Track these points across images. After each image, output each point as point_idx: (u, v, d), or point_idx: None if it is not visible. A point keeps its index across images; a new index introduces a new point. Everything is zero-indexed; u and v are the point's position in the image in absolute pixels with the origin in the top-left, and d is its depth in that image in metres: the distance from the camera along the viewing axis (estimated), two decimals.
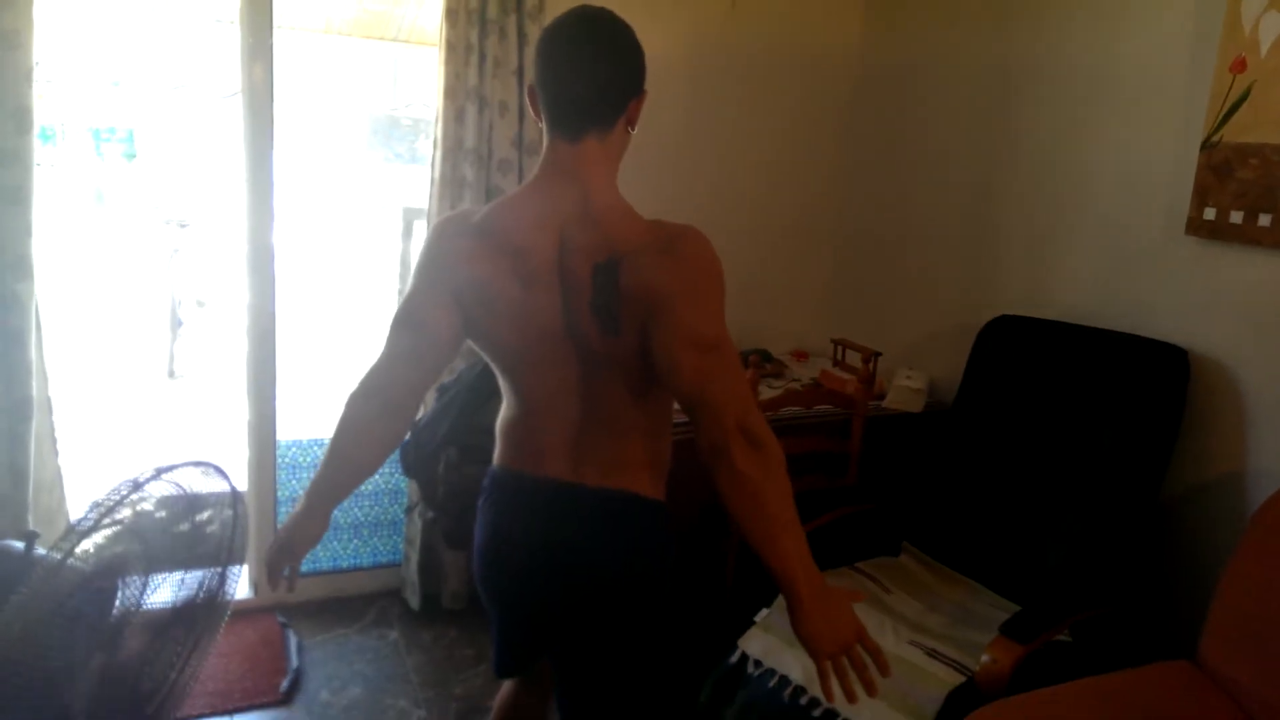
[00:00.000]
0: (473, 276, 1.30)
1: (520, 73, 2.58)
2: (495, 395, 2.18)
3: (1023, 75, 2.54)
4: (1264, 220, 1.94)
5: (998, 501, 2.31)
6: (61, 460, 2.42)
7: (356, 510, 2.90)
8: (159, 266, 5.56)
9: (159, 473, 1.35)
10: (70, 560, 1.20)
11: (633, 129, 1.34)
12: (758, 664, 2.02)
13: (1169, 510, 2.13)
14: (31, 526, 2.24)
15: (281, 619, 2.72)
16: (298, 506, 1.45)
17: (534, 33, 2.55)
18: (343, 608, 2.85)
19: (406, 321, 1.36)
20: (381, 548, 2.96)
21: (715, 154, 2.99)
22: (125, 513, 1.49)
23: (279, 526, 1.72)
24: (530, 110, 1.35)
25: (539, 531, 1.39)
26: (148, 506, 1.53)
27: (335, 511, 2.81)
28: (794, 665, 1.95)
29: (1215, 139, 2.01)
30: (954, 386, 2.56)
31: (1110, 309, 2.28)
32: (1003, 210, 2.62)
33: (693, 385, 1.20)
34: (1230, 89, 1.98)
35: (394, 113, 5.61)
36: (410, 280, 1.39)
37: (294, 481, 2.79)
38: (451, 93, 2.51)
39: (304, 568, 2.83)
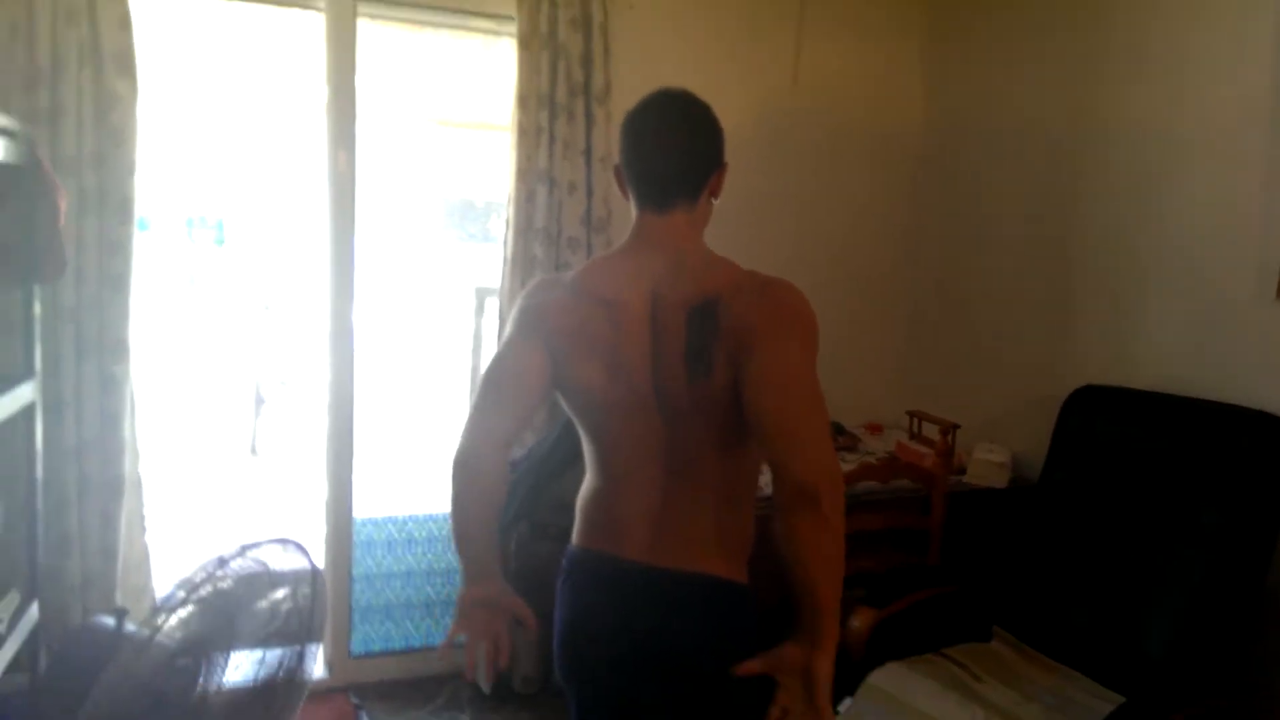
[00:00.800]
0: (564, 325, 1.34)
1: (588, 153, 2.64)
2: (567, 470, 2.19)
3: (1092, 135, 2.50)
4: None
5: (1092, 583, 2.19)
6: (149, 538, 2.48)
7: (429, 589, 2.90)
8: (244, 347, 5.79)
9: (244, 550, 1.37)
10: (158, 637, 1.22)
11: (715, 199, 1.41)
12: None
13: (1276, 595, 1.99)
14: (119, 604, 2.30)
15: (354, 699, 2.71)
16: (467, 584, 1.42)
17: (600, 115, 2.63)
18: (414, 689, 2.83)
19: (497, 369, 1.38)
20: None
21: (783, 225, 3.00)
22: (208, 589, 1.52)
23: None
24: (617, 188, 1.43)
25: (620, 618, 1.36)
26: (227, 585, 1.56)
27: (407, 590, 2.83)
28: None
29: None
30: (1038, 460, 2.46)
31: (1200, 376, 2.18)
32: (1080, 275, 2.55)
33: (777, 425, 1.17)
34: None
35: (468, 196, 5.81)
36: (503, 335, 1.43)
37: (369, 559, 2.81)
38: (523, 174, 2.59)
39: (376, 646, 2.85)
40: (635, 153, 1.36)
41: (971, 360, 2.96)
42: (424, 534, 2.88)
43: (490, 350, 2.84)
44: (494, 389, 1.37)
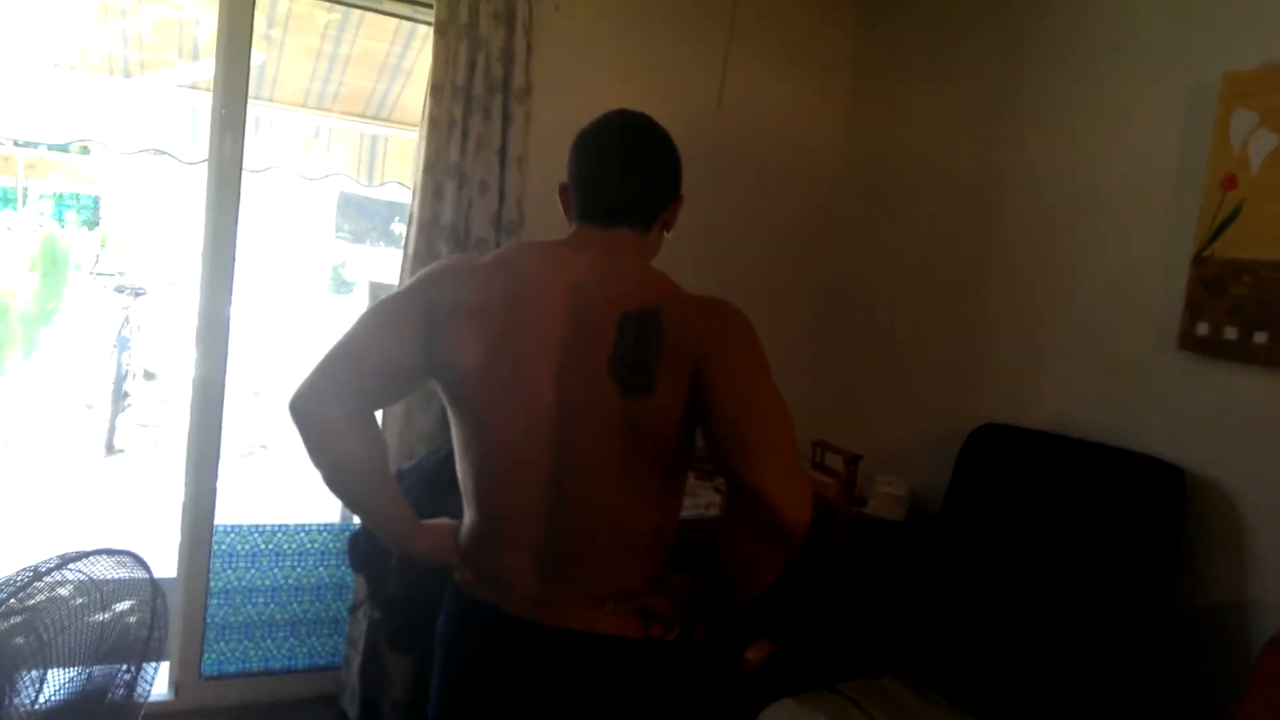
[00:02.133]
0: (455, 292, 1.20)
1: (503, 152, 2.51)
2: (453, 485, 2.02)
3: (1008, 180, 2.54)
4: (1260, 338, 1.90)
5: (988, 621, 2.18)
6: None
7: (295, 605, 2.67)
8: (108, 336, 5.35)
9: (64, 561, 1.18)
10: None
11: (668, 232, 1.33)
12: None
13: (1172, 636, 2.01)
14: None
15: None
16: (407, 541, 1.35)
17: (519, 114, 2.51)
18: (272, 715, 2.60)
19: (365, 324, 1.24)
20: (320, 648, 2.72)
21: (694, 244, 2.92)
22: (38, 598, 1.31)
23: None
24: (560, 206, 1.33)
25: (505, 686, 1.24)
26: (64, 593, 1.36)
27: (270, 606, 2.61)
28: None
29: (1207, 253, 1.99)
30: (937, 494, 2.46)
31: (1101, 421, 2.22)
32: (988, 314, 2.57)
33: (753, 447, 1.09)
34: (1221, 204, 1.97)
35: (367, 193, 5.56)
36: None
37: (228, 571, 2.57)
38: (431, 168, 2.44)
39: (232, 668, 2.61)
40: (585, 176, 1.27)
41: (877, 393, 2.96)
42: (294, 546, 2.66)
43: None
44: (350, 346, 1.22)
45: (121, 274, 5.87)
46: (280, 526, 2.63)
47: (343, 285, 6.36)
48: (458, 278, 1.23)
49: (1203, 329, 1.99)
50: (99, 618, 1.44)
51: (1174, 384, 2.07)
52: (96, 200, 6.78)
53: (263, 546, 2.61)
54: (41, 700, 1.36)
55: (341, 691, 2.66)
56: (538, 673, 1.22)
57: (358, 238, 6.49)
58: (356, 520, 2.56)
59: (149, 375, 5.67)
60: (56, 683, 1.38)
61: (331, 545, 2.69)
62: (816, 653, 2.20)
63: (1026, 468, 2.26)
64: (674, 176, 1.30)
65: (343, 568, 2.70)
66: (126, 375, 5.26)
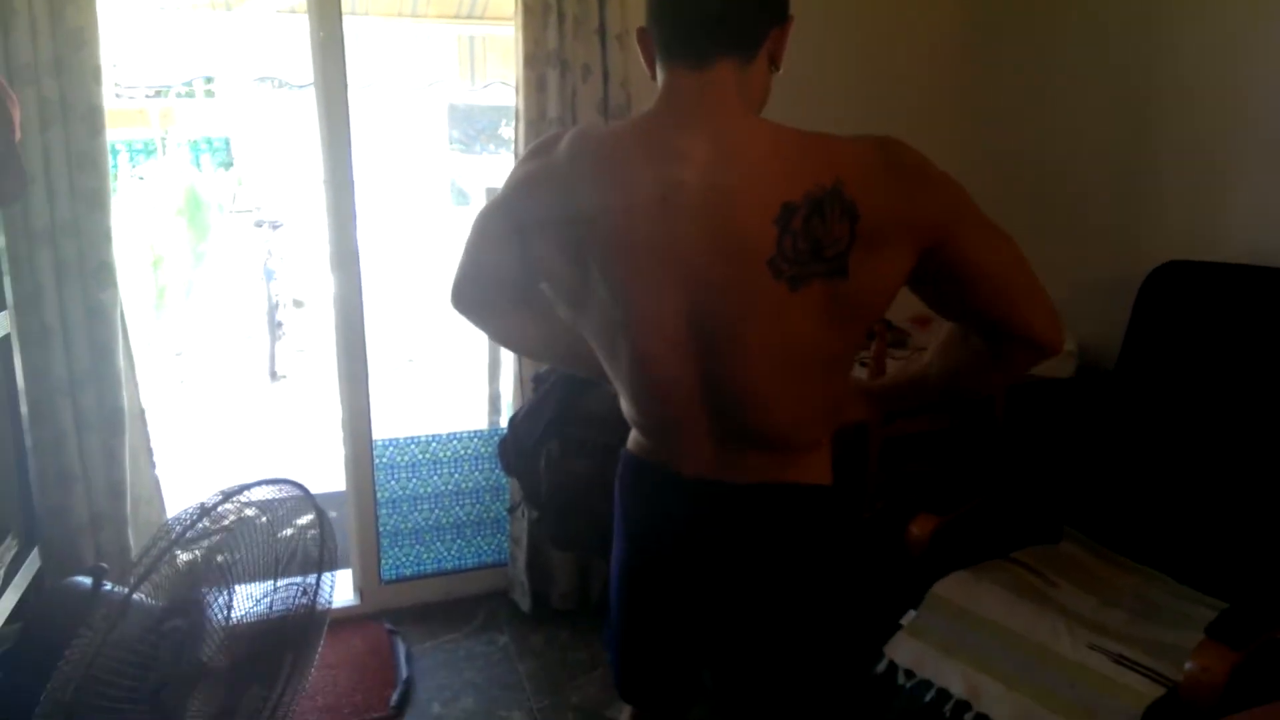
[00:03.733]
0: (543, 202, 1.10)
1: (602, 31, 2.37)
2: (597, 383, 1.98)
3: None
4: None
5: (1175, 477, 2.00)
6: (160, 471, 2.36)
7: (458, 509, 2.77)
8: (256, 270, 5.61)
9: (226, 496, 1.21)
10: (138, 598, 1.07)
11: (777, 69, 1.08)
12: (909, 674, 1.78)
13: None
14: (132, 542, 2.18)
15: (389, 626, 2.62)
16: None
17: None
18: (450, 611, 2.74)
19: (473, 239, 1.21)
20: (486, 547, 2.83)
21: (824, 84, 2.64)
22: (228, 520, 1.38)
23: None
24: (642, 58, 1.10)
25: (699, 546, 1.19)
26: (251, 513, 1.42)
27: (435, 512, 2.71)
28: (954, 677, 1.71)
29: None
30: (1109, 346, 2.24)
31: None
32: (1159, 140, 2.27)
33: (1009, 303, 1.07)
34: None
35: (471, 98, 5.50)
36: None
37: (392, 482, 2.68)
38: (531, 59, 2.32)
39: (408, 571, 2.75)
40: None
41: (1034, 238, 2.68)
42: (448, 454, 2.73)
43: None
44: (467, 265, 1.21)
45: (258, 209, 6.10)
46: (434, 436, 2.70)
47: (461, 196, 6.39)
48: (539, 188, 1.10)
49: None
50: (291, 530, 1.49)
51: None
52: (227, 141, 7.03)
53: (420, 456, 2.70)
54: (241, 612, 1.45)
55: (511, 585, 2.77)
56: (728, 531, 1.16)
57: (468, 147, 6.47)
58: (504, 424, 2.60)
59: (298, 303, 5.94)
60: (250, 596, 1.46)
61: (483, 450, 2.76)
62: (987, 523, 2.09)
63: (1216, 306, 2.02)
64: None
65: (497, 471, 2.76)
66: (278, 305, 5.53)
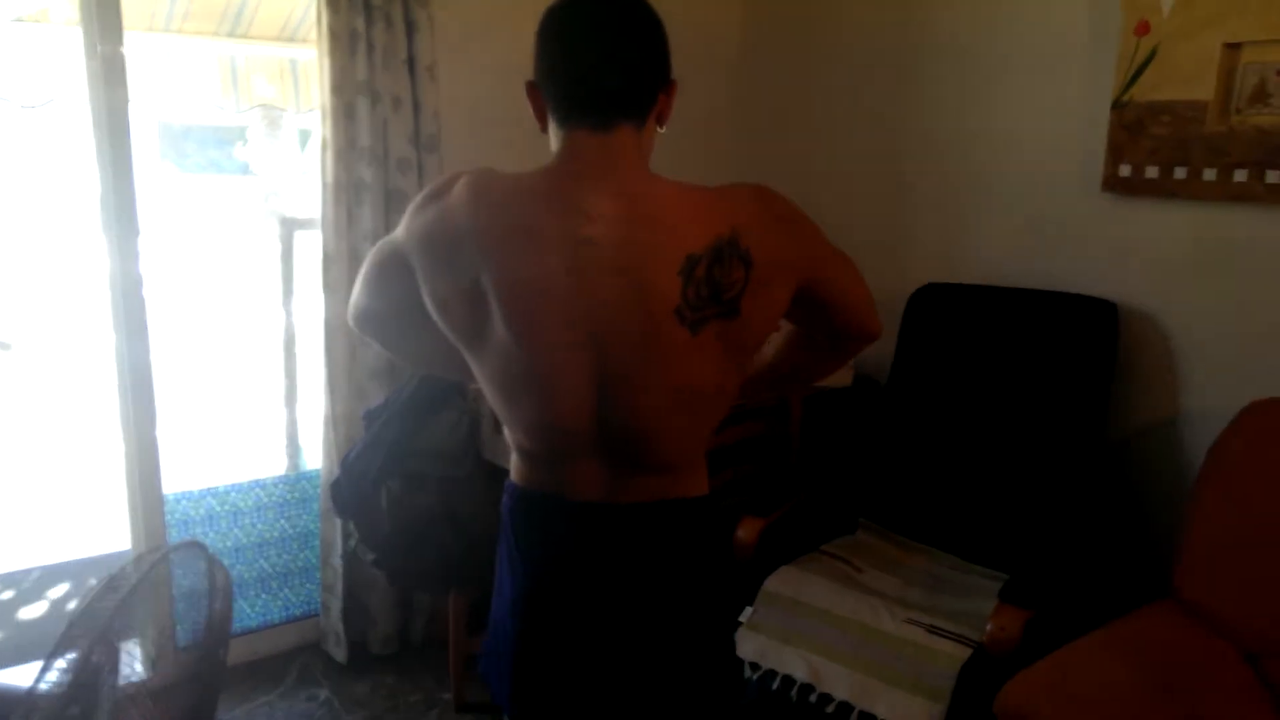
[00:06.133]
0: (443, 253, 1.12)
1: (411, 63, 2.36)
2: (433, 416, 1.99)
3: (919, 46, 2.58)
4: (1179, 173, 2.04)
5: (945, 467, 2.35)
6: None
7: (263, 562, 2.59)
8: None
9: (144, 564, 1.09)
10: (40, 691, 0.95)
11: (663, 127, 1.17)
12: (755, 666, 1.94)
13: (1112, 458, 2.23)
14: None
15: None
16: None
17: (422, 19, 2.34)
18: (259, 670, 2.54)
19: (369, 270, 1.25)
20: (294, 599, 2.66)
21: None
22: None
23: None
24: (531, 109, 1.14)
25: (592, 568, 1.23)
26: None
27: (237, 566, 2.52)
28: (797, 662, 1.90)
29: (1125, 99, 2.10)
30: (879, 357, 2.57)
31: (1033, 269, 2.36)
32: (913, 179, 2.65)
33: (855, 313, 1.26)
34: (1136, 50, 2.07)
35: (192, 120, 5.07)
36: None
37: (187, 538, 2.45)
38: (339, 87, 2.26)
39: None
40: (564, 62, 1.08)
41: None
42: (250, 503, 2.55)
43: (308, 294, 2.53)
44: (362, 289, 1.26)
45: None
46: (233, 486, 2.51)
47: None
48: (437, 234, 1.11)
49: (1125, 170, 2.13)
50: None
51: (1101, 225, 2.22)
52: None
53: (218, 508, 2.50)
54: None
55: (324, 636, 2.63)
56: (621, 550, 1.22)
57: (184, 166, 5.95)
58: (318, 467, 2.48)
59: (3, 345, 5.17)
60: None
61: (289, 496, 2.60)
62: (799, 520, 2.31)
63: (969, 320, 2.39)
64: (665, 55, 1.13)
65: (304, 517, 2.62)
66: None
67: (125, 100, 2.12)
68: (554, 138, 1.13)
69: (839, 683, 1.84)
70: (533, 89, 1.13)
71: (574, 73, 1.09)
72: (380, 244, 1.22)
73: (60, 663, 1.03)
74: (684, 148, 2.98)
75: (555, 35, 1.10)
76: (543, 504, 1.26)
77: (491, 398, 1.22)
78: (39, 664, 1.23)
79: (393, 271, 1.19)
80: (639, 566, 1.24)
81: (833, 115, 2.85)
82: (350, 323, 1.31)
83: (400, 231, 1.18)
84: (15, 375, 4.96)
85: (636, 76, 1.10)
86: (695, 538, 1.28)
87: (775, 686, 1.89)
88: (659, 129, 1.17)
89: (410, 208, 1.18)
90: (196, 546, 1.37)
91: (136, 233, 2.20)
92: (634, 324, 1.09)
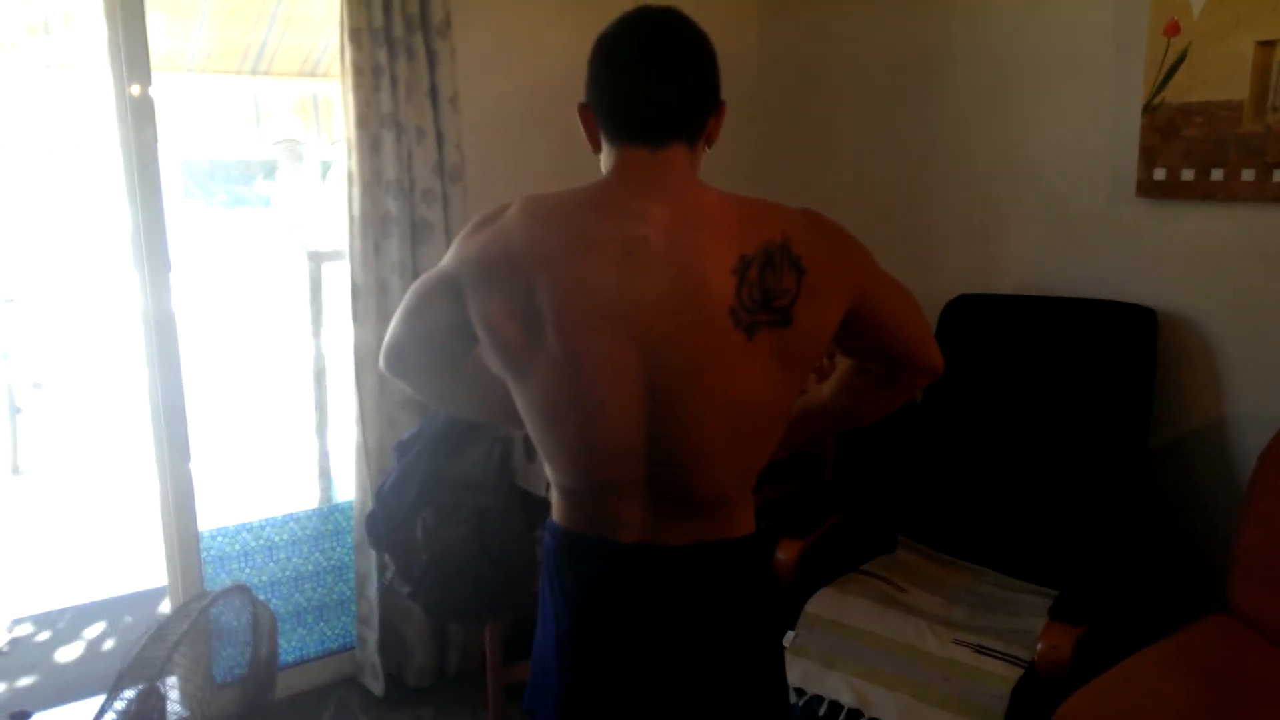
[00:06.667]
0: (498, 280, 1.12)
1: (434, 94, 2.37)
2: (467, 446, 1.98)
3: (939, 57, 2.56)
4: (1216, 175, 2.00)
5: (984, 482, 2.30)
6: None
7: (299, 596, 2.58)
8: None
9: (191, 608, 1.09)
10: None
11: (710, 146, 1.19)
12: (799, 691, 1.91)
13: (1155, 467, 2.17)
14: None
15: None
16: None
17: (444, 51, 2.36)
18: (297, 706, 2.53)
19: (411, 301, 1.24)
20: (330, 633, 2.66)
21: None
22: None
23: None
24: (583, 131, 1.16)
25: (640, 610, 1.20)
26: None
27: (273, 601, 2.52)
28: (841, 687, 1.86)
29: (1157, 101, 2.07)
30: None
31: (1067, 277, 2.32)
32: (939, 193, 2.62)
33: (907, 345, 1.23)
34: (1166, 52, 2.04)
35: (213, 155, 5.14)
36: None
37: (222, 575, 2.46)
38: (364, 120, 2.28)
39: (243, 670, 2.51)
40: (618, 84, 1.11)
41: None
42: (285, 537, 2.55)
43: (337, 326, 2.53)
44: (403, 324, 1.24)
45: None
46: (268, 520, 2.52)
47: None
48: (491, 254, 1.12)
49: (1160, 174, 2.09)
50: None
51: (1136, 230, 2.18)
52: None
53: (253, 544, 2.50)
54: None
55: (361, 670, 2.61)
56: (668, 594, 1.19)
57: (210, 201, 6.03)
58: (351, 498, 2.48)
59: (37, 385, 5.25)
60: None
61: (323, 529, 2.60)
62: (838, 540, 2.28)
63: (1004, 331, 2.35)
64: (715, 77, 1.15)
65: (339, 550, 2.62)
66: (15, 388, 4.86)
67: (154, 139, 2.15)
68: (606, 157, 1.15)
69: (886, 707, 1.80)
70: (585, 110, 1.15)
71: (629, 93, 1.11)
72: (423, 277, 1.22)
73: (111, 717, 1.02)
74: (705, 170, 3.02)
75: (610, 57, 1.13)
76: (584, 546, 1.23)
77: (535, 428, 1.21)
78: (79, 705, 1.23)
79: (438, 299, 1.18)
80: (685, 610, 1.22)
81: (855, 130, 2.84)
82: (381, 364, 1.28)
83: (448, 259, 1.18)
84: (48, 414, 5.04)
85: (690, 97, 1.12)
86: (743, 580, 1.26)
87: (823, 713, 1.85)
88: (708, 147, 1.19)
89: (460, 235, 1.19)
90: (243, 591, 1.36)
91: (168, 268, 2.22)
92: (687, 324, 1.08)
